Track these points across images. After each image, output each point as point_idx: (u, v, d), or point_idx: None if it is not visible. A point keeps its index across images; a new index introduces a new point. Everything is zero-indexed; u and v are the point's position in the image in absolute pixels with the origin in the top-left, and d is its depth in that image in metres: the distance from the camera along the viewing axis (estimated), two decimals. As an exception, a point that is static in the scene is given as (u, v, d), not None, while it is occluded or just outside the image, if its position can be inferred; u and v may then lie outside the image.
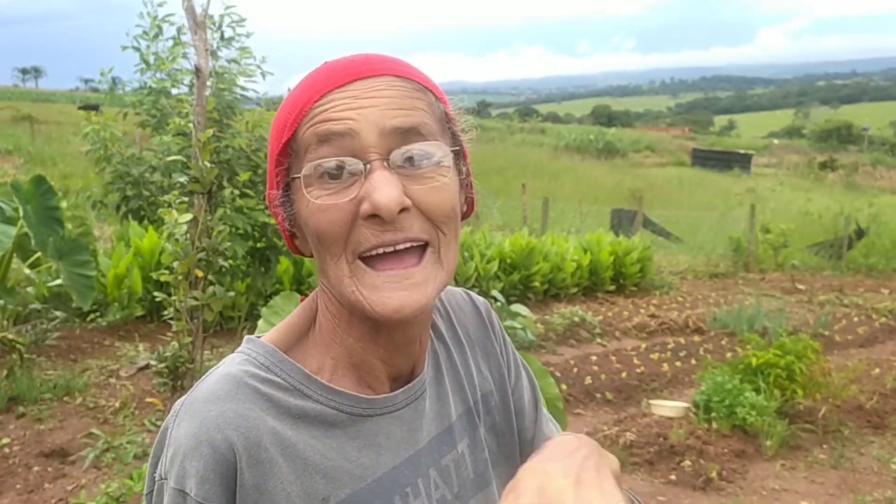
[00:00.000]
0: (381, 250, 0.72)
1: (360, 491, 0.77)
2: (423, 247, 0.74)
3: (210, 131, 3.43)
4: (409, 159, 0.72)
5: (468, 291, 1.02)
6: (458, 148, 0.79)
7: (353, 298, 0.73)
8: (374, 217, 0.70)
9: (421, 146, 0.73)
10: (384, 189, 0.69)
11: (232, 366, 0.77)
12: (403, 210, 0.71)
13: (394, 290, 0.72)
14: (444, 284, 0.76)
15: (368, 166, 0.71)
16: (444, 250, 0.75)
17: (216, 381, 0.75)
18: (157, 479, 0.73)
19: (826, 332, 8.48)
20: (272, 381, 0.76)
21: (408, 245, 0.72)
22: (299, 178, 0.73)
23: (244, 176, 4.34)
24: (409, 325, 0.79)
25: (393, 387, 0.83)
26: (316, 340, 0.82)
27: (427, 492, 0.82)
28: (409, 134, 0.72)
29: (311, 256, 0.79)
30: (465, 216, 0.82)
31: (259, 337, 0.83)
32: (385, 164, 0.71)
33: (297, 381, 0.77)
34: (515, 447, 0.98)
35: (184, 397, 0.77)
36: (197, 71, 3.42)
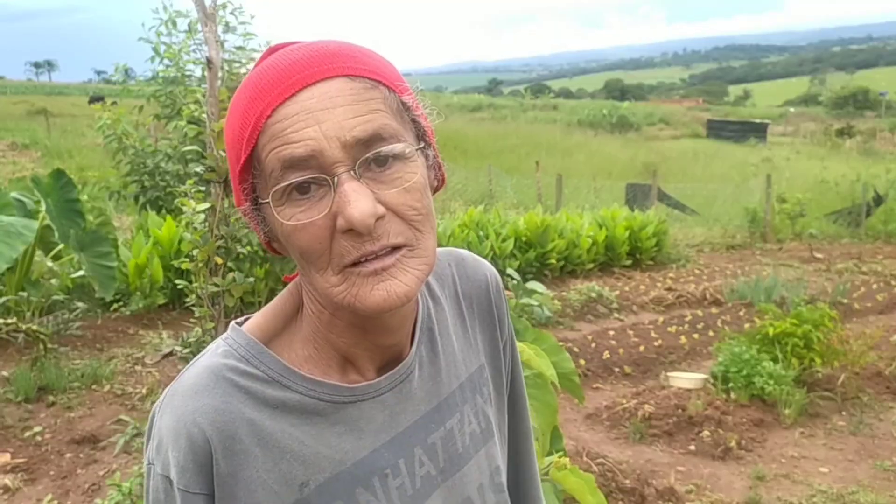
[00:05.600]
0: (363, 259, 0.73)
1: (339, 474, 0.80)
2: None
3: (223, 121, 3.47)
4: (376, 162, 0.73)
5: (480, 259, 1.02)
6: (420, 134, 0.79)
7: (346, 302, 0.74)
8: (351, 231, 0.71)
9: (385, 150, 0.73)
10: (356, 203, 0.70)
11: (214, 357, 0.80)
12: (379, 218, 0.72)
13: (376, 284, 0.73)
14: (426, 273, 0.77)
15: (336, 179, 0.71)
16: (422, 245, 0.76)
17: (196, 375, 0.79)
18: (146, 463, 0.80)
19: (845, 301, 8.46)
20: (250, 374, 0.79)
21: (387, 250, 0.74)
22: (268, 202, 0.74)
23: None
24: (391, 317, 0.81)
25: (380, 374, 0.86)
26: (303, 326, 0.85)
27: (410, 471, 0.85)
28: (371, 141, 0.72)
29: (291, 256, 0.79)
30: (437, 190, 0.83)
31: (242, 323, 0.85)
32: (352, 173, 0.72)
33: (275, 373, 0.79)
34: (504, 419, 1.01)
35: (171, 385, 0.80)
36: (209, 62, 3.45)
